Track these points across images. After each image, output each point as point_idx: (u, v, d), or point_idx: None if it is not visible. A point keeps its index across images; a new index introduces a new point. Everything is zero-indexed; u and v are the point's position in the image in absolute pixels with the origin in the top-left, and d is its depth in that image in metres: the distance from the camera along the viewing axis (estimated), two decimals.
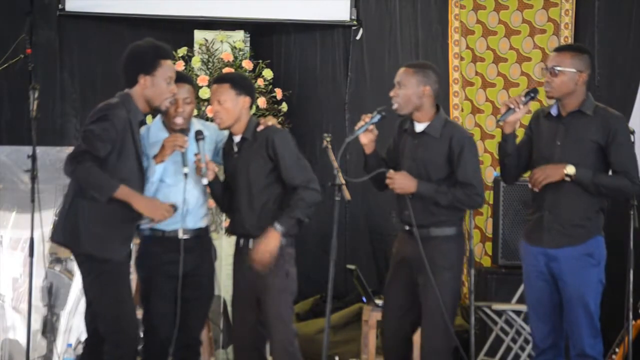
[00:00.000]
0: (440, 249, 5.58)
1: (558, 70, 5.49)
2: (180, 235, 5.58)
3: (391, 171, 5.63)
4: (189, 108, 5.61)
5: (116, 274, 5.28)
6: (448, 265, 5.59)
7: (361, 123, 5.64)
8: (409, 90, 5.64)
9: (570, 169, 5.43)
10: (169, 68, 5.39)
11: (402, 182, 5.59)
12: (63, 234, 5.33)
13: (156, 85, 5.34)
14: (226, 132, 5.74)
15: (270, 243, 5.51)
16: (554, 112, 5.59)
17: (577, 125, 5.51)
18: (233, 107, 5.62)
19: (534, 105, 6.48)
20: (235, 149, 5.69)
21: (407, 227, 5.67)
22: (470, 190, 5.59)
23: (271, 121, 5.75)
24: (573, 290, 5.45)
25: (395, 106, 5.66)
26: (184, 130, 5.60)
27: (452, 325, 5.63)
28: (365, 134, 5.65)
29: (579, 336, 5.46)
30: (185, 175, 5.52)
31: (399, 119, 5.79)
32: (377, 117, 5.63)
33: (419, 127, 5.70)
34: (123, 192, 5.23)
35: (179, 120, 5.56)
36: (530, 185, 5.57)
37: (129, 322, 5.27)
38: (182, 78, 5.60)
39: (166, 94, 5.38)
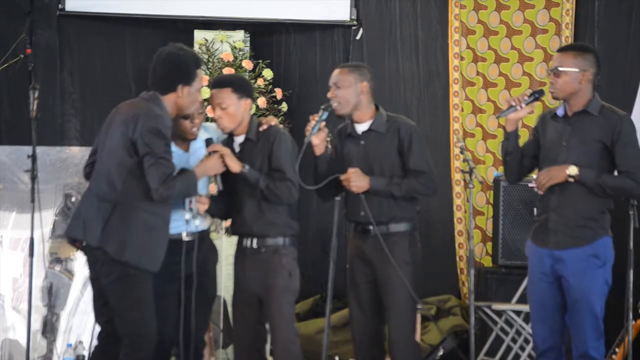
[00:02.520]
0: (400, 245, 5.63)
1: (561, 71, 5.48)
2: (185, 237, 5.61)
3: (348, 173, 5.63)
4: (202, 117, 5.69)
5: (140, 277, 5.27)
6: (410, 259, 5.64)
7: (312, 123, 5.63)
8: (347, 89, 5.67)
9: (573, 170, 5.42)
10: (201, 78, 5.46)
11: (357, 179, 5.58)
12: (102, 237, 5.26)
13: (191, 95, 5.39)
14: None
15: (233, 161, 5.56)
16: (560, 112, 5.58)
17: (582, 125, 5.50)
18: (236, 111, 5.64)
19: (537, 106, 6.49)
20: (238, 149, 5.69)
21: (361, 227, 5.69)
22: (423, 177, 5.63)
23: (273, 121, 5.75)
24: (578, 292, 5.44)
25: (334, 105, 5.66)
26: (209, 140, 5.64)
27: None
28: (317, 134, 5.65)
29: (583, 338, 5.46)
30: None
31: (337, 126, 5.80)
32: (324, 114, 5.65)
33: (362, 126, 5.73)
34: (199, 174, 5.46)
35: (195, 132, 5.65)
36: (535, 188, 5.56)
37: (150, 326, 5.27)
38: None
39: (196, 103, 5.46)
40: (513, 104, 5.54)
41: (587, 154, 5.47)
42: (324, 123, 5.63)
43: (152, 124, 5.21)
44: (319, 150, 5.69)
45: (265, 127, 5.68)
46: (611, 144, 5.45)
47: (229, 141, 5.74)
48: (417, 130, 5.72)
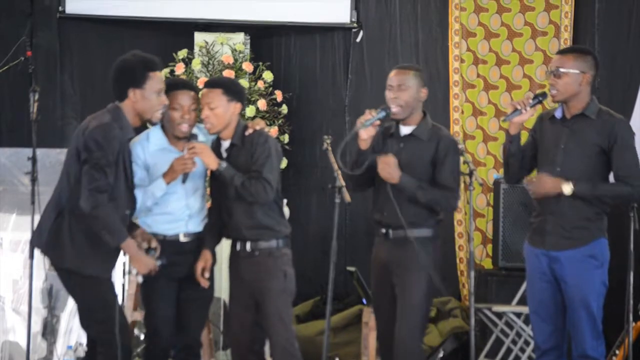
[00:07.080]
0: (415, 250, 5.57)
1: (562, 72, 5.49)
2: (182, 238, 5.62)
3: (388, 157, 5.58)
4: (194, 115, 5.63)
5: (97, 280, 5.32)
6: (422, 265, 5.58)
7: (367, 117, 5.56)
8: (411, 94, 5.63)
9: (567, 190, 5.44)
10: (158, 80, 5.40)
11: (393, 169, 5.55)
12: (46, 245, 5.35)
13: (146, 98, 5.36)
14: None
15: (209, 158, 5.52)
16: (558, 115, 5.60)
17: (580, 128, 5.51)
18: (224, 112, 5.61)
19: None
20: (225, 154, 5.68)
21: (383, 230, 5.69)
22: (449, 193, 5.60)
23: (259, 125, 5.71)
24: (575, 292, 5.46)
25: (395, 109, 5.62)
26: (192, 136, 5.61)
27: (424, 327, 5.65)
28: (367, 129, 5.60)
29: (581, 338, 5.47)
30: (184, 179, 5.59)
31: (385, 124, 5.75)
32: (382, 113, 5.59)
33: (406, 129, 5.70)
34: (127, 245, 5.31)
35: (184, 128, 5.58)
36: (529, 191, 5.58)
37: (116, 322, 5.29)
38: (186, 85, 5.66)
39: (157, 106, 5.40)
40: (518, 107, 5.54)
41: (584, 157, 5.49)
42: (377, 122, 5.60)
43: (93, 132, 5.23)
44: (364, 145, 5.63)
45: (250, 131, 5.66)
46: (608, 147, 5.47)
47: (217, 145, 5.72)
48: (455, 147, 5.67)
